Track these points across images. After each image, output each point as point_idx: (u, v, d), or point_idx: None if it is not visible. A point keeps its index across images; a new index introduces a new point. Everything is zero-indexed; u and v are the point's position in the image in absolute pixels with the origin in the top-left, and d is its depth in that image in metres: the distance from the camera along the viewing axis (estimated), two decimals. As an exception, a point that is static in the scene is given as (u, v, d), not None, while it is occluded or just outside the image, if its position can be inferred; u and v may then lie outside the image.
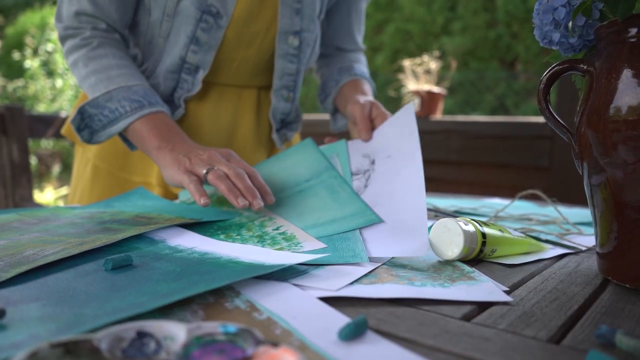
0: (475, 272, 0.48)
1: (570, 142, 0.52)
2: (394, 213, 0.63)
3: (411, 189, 0.65)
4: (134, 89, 0.79)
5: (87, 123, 0.80)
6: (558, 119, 0.52)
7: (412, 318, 0.37)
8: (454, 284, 0.45)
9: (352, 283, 0.44)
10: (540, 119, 1.64)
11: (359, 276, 0.45)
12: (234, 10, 0.84)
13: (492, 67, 3.29)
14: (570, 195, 1.41)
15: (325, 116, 2.31)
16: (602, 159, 0.47)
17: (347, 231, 0.59)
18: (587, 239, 0.64)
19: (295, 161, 0.80)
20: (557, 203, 0.83)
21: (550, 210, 0.83)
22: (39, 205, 1.51)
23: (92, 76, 0.80)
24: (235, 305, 0.38)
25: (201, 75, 0.87)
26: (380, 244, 0.57)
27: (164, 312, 0.36)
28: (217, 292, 0.40)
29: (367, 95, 0.95)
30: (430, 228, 0.67)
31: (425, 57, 2.08)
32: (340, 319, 0.36)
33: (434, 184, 1.80)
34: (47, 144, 5.35)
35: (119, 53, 0.83)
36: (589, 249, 0.60)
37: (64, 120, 1.71)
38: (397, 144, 0.74)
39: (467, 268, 0.49)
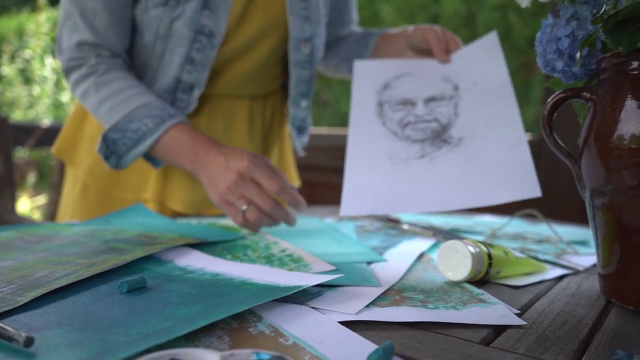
0: (485, 294, 0.49)
1: (573, 167, 0.54)
2: (493, 148, 0.67)
3: (508, 124, 0.67)
4: (151, 105, 0.79)
5: (112, 149, 0.80)
6: (562, 145, 0.53)
7: (434, 343, 0.38)
8: (465, 306, 0.46)
9: (368, 305, 0.44)
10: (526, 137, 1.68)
11: (373, 298, 0.46)
12: (226, 28, 0.84)
13: (472, 82, 3.35)
14: (553, 212, 1.44)
15: (321, 130, 2.31)
16: (606, 184, 0.48)
17: (353, 262, 0.59)
18: (584, 259, 0.66)
19: (301, 224, 0.81)
20: (549, 220, 0.85)
21: (543, 228, 0.85)
22: (22, 218, 1.48)
23: (105, 102, 0.80)
24: (260, 331, 0.38)
25: (197, 93, 0.87)
26: (493, 184, 0.62)
27: (189, 337, 0.36)
28: (239, 315, 0.41)
29: None
30: (433, 246, 0.69)
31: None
32: (364, 344, 0.36)
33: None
34: (22, 152, 5.25)
35: (127, 75, 0.83)
36: (587, 270, 0.62)
37: (44, 130, 1.69)
38: (483, 73, 0.75)
39: (475, 290, 0.51)
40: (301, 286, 0.45)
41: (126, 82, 0.81)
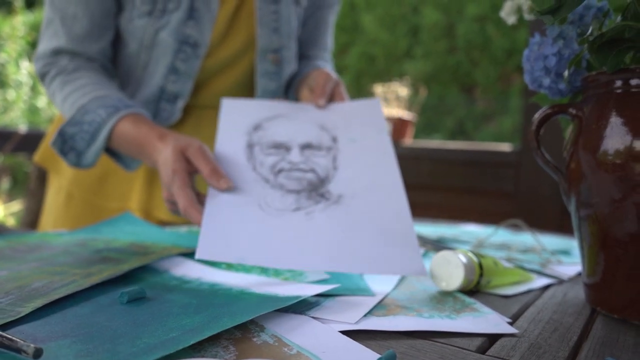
0: (477, 304, 0.51)
1: (559, 180, 0.56)
2: (376, 215, 0.62)
3: (390, 192, 0.64)
4: (108, 97, 0.77)
5: (71, 145, 0.77)
6: (549, 159, 0.55)
7: (432, 351, 0.39)
8: (459, 315, 0.47)
9: (365, 315, 0.46)
10: (507, 148, 1.72)
11: (371, 307, 0.47)
12: (210, 38, 0.85)
13: (452, 92, 3.41)
14: (533, 221, 1.48)
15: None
16: (591, 197, 0.50)
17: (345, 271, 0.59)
18: (567, 268, 0.68)
19: None
20: (533, 230, 0.87)
21: (526, 238, 0.87)
22: (4, 226, 1.45)
23: (68, 98, 0.78)
24: (263, 340, 0.39)
25: (180, 104, 0.88)
26: (377, 254, 0.57)
27: (195, 347, 0.37)
28: (241, 325, 0.41)
29: None
30: (422, 255, 0.70)
31: (397, 84, 2.15)
32: (366, 353, 0.37)
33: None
34: (-4, 157, 5.14)
35: (93, 74, 0.81)
36: (571, 279, 0.64)
37: (22, 136, 1.66)
38: (363, 132, 0.72)
39: (467, 299, 0.52)
40: (300, 296, 0.46)
41: (90, 79, 0.79)
